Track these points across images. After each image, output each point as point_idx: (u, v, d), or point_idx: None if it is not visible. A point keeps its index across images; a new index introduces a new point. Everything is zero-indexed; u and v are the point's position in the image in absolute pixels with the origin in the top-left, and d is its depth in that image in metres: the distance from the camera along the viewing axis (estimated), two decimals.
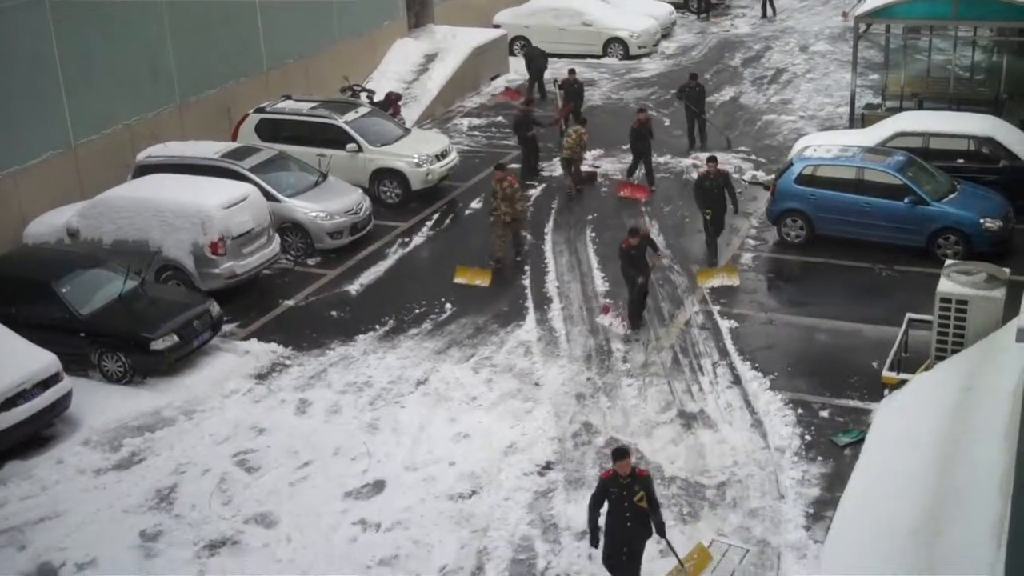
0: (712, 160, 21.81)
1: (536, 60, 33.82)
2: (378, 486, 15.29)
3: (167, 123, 25.84)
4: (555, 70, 34.16)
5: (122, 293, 18.54)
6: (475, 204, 25.45)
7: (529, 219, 24.23)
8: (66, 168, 23.46)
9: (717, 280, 20.59)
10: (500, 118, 31.49)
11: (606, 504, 12.42)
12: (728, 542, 13.81)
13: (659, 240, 22.75)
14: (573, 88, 29.64)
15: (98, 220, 20.87)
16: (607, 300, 20.13)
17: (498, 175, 21.73)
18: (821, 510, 14.28)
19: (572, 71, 30.56)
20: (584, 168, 26.58)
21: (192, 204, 20.35)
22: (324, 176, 23.74)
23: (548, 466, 15.56)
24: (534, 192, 26.04)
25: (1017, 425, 9.14)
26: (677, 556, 12.77)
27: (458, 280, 21.16)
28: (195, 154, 23.07)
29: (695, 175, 26.14)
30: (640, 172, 25.92)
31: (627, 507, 12.28)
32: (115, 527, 14.62)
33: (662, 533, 12.54)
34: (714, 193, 21.36)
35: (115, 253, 20.08)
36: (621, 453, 12.29)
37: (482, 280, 21.18)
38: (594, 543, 12.59)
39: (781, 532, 13.96)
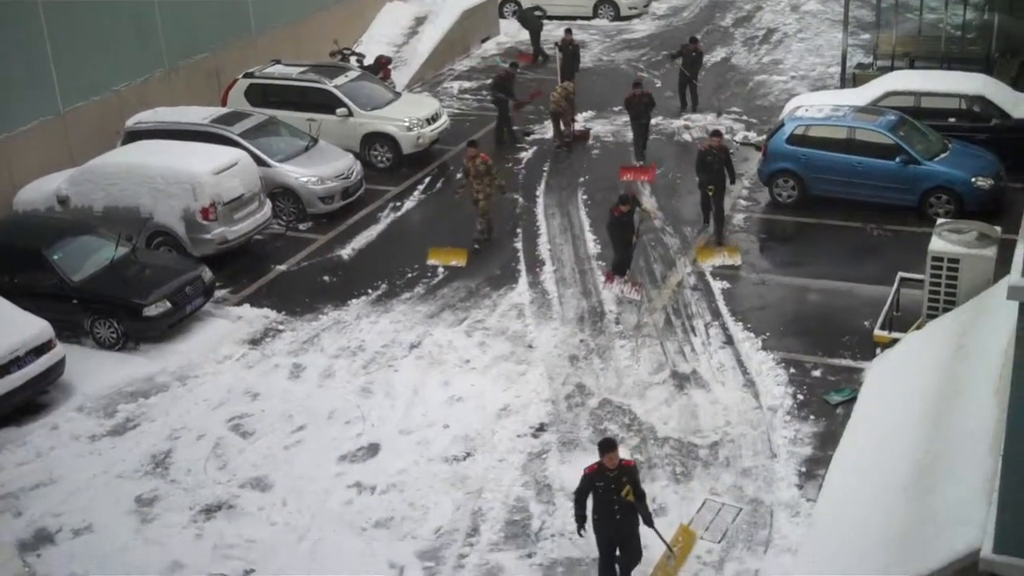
0: (716, 134, 21.09)
1: (531, 21, 33.64)
2: (372, 449, 15.34)
3: (156, 89, 25.69)
4: (547, 31, 33.99)
5: (113, 260, 18.50)
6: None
7: (520, 181, 24.25)
8: (55, 135, 23.35)
9: (718, 259, 20.03)
10: (491, 81, 31.31)
11: (591, 499, 12.01)
12: (721, 501, 13.89)
13: (651, 201, 22.76)
14: (569, 49, 29.52)
15: (88, 187, 20.80)
16: (602, 263, 20.12)
17: (470, 152, 21.15)
18: (813, 468, 14.36)
19: (568, 31, 30.46)
20: (576, 127, 26.58)
21: (182, 170, 20.28)
22: (315, 141, 23.67)
23: (542, 428, 15.62)
24: (525, 155, 25.97)
25: (1008, 383, 9.19)
26: (665, 542, 12.55)
27: (431, 262, 20.57)
28: (184, 120, 22.98)
29: (687, 136, 26.14)
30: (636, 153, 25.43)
31: (615, 500, 11.84)
32: (110, 492, 14.67)
33: (650, 524, 12.13)
34: (715, 168, 20.60)
35: (106, 220, 20.04)
36: (609, 445, 11.82)
37: (457, 260, 20.54)
38: (580, 525, 12.15)
39: (774, 491, 14.04)
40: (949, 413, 12.52)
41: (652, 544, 12.49)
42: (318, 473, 14.86)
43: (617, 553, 12.24)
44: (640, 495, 12.09)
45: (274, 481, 14.76)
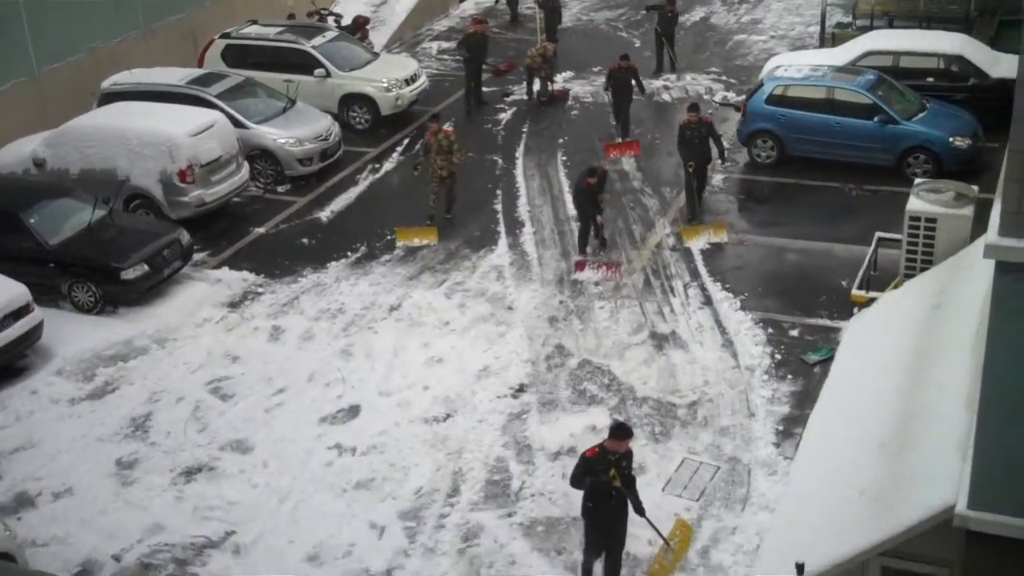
0: (693, 108, 20.31)
1: None
2: (353, 411, 15.37)
3: (132, 50, 25.46)
4: None
5: (91, 223, 18.40)
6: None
7: (499, 143, 24.20)
8: (30, 97, 23.15)
9: (704, 238, 19.30)
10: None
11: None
12: (699, 460, 13.99)
13: (630, 162, 22.75)
14: (550, 5, 29.35)
15: (64, 149, 20.66)
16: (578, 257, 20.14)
17: (433, 127, 20.30)
18: (791, 427, 14.47)
19: None
20: (556, 87, 26.52)
21: (159, 132, 20.16)
22: (292, 102, 23.52)
23: (521, 388, 15.66)
24: (503, 116, 25.88)
25: (984, 340, 9.25)
26: (661, 535, 12.33)
27: (401, 243, 19.83)
28: (161, 81, 22.82)
29: (666, 96, 26.08)
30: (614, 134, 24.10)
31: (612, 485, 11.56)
32: (91, 456, 14.66)
33: (640, 512, 11.83)
34: (696, 144, 19.89)
35: (82, 182, 19.92)
36: (624, 432, 11.46)
37: (428, 239, 19.84)
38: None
39: (751, 449, 14.16)
40: (926, 371, 12.61)
41: (639, 536, 12.45)
42: (299, 435, 14.89)
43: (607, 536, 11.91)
44: (630, 481, 11.78)
45: (254, 443, 14.78)
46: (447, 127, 20.14)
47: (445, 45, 31.37)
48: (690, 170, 20.02)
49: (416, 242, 19.81)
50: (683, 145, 20.14)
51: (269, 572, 12.61)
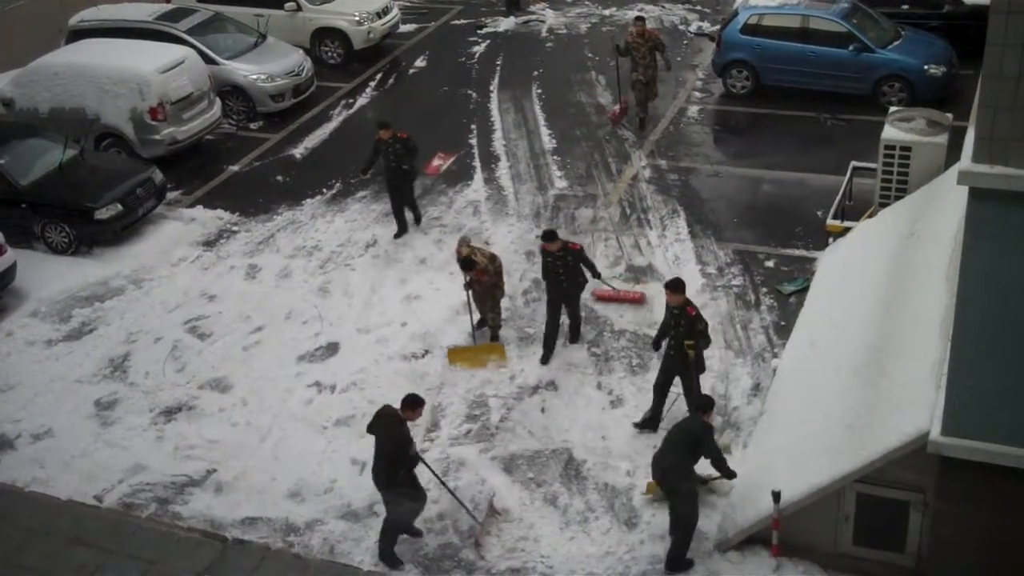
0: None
1: None
2: (331, 348, 15.38)
3: None
4: None
5: (62, 162, 18.22)
6: (419, 63, 25.09)
7: (473, 76, 24.01)
8: None
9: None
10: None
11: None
12: (677, 392, 14.04)
13: (605, 96, 22.60)
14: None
15: (33, 88, 20.41)
16: (556, 158, 20.00)
17: (487, 253, 15.07)
18: (767, 357, 14.55)
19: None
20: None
21: (128, 69, 19.92)
22: (263, 37, 23.25)
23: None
24: (477, 49, 25.64)
25: (958, 268, 9.32)
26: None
27: (456, 367, 14.90)
28: (129, 17, 22.54)
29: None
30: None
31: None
32: (69, 397, 14.65)
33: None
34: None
35: (52, 121, 19.70)
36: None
37: (493, 357, 14.93)
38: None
39: (729, 379, 14.24)
40: (900, 299, 12.71)
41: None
42: (278, 373, 14.90)
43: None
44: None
45: (233, 382, 14.78)
46: (492, 249, 15.87)
47: None
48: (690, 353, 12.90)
49: (477, 369, 14.82)
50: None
51: (251, 509, 12.69)
